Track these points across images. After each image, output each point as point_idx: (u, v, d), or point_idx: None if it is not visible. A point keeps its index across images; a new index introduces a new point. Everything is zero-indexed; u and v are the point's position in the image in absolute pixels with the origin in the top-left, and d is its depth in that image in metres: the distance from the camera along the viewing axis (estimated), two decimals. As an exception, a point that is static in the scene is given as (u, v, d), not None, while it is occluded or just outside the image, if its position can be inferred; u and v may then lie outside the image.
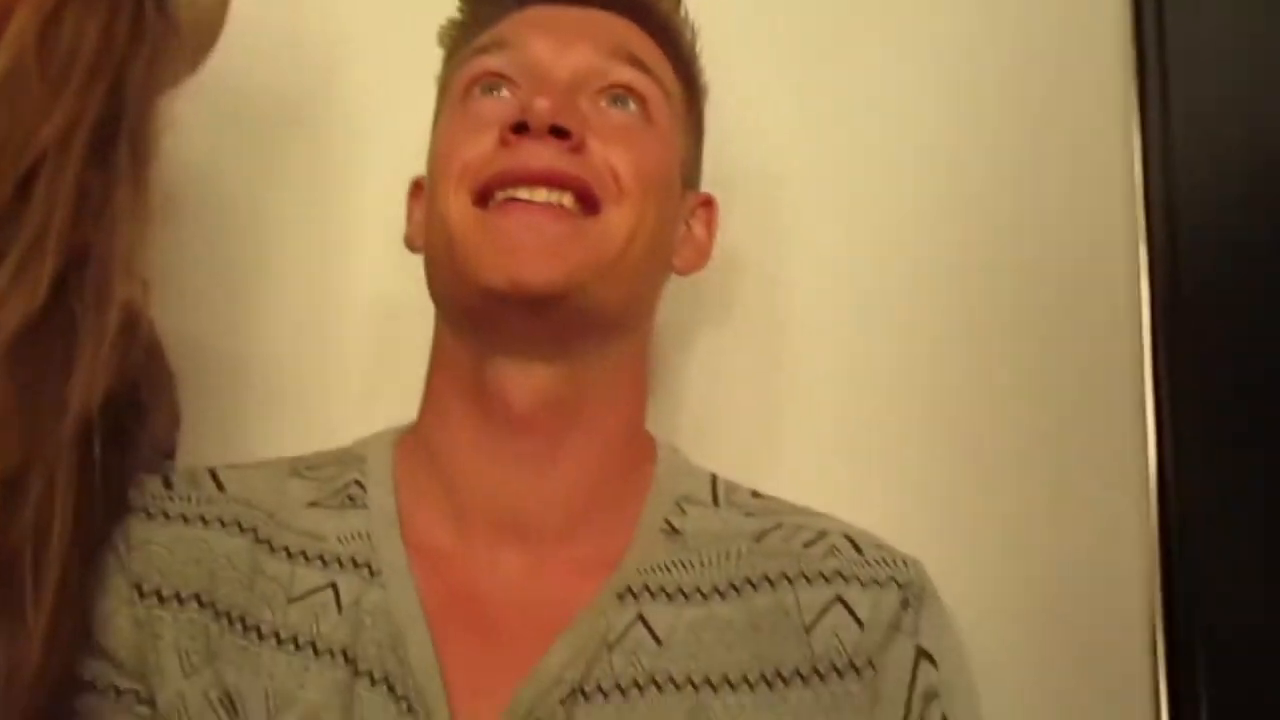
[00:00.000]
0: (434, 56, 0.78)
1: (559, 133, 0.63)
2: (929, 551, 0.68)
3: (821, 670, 0.62)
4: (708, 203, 0.76)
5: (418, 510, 0.67)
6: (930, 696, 0.63)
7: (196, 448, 0.74)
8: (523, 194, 0.63)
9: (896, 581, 0.65)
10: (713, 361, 0.86)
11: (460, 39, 0.74)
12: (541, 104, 0.63)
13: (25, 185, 0.57)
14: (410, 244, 0.73)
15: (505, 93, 0.68)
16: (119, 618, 0.63)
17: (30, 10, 0.57)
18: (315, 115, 0.90)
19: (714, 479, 0.72)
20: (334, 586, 0.64)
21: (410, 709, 0.59)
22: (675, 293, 0.78)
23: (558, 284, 0.62)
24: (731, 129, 0.82)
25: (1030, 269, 0.83)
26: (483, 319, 0.65)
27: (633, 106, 0.68)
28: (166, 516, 0.66)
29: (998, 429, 0.80)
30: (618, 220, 0.65)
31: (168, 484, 0.67)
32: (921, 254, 0.84)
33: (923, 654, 0.64)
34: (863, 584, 0.65)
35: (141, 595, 0.63)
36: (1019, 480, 0.80)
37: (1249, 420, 0.71)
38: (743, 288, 0.86)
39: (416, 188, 0.75)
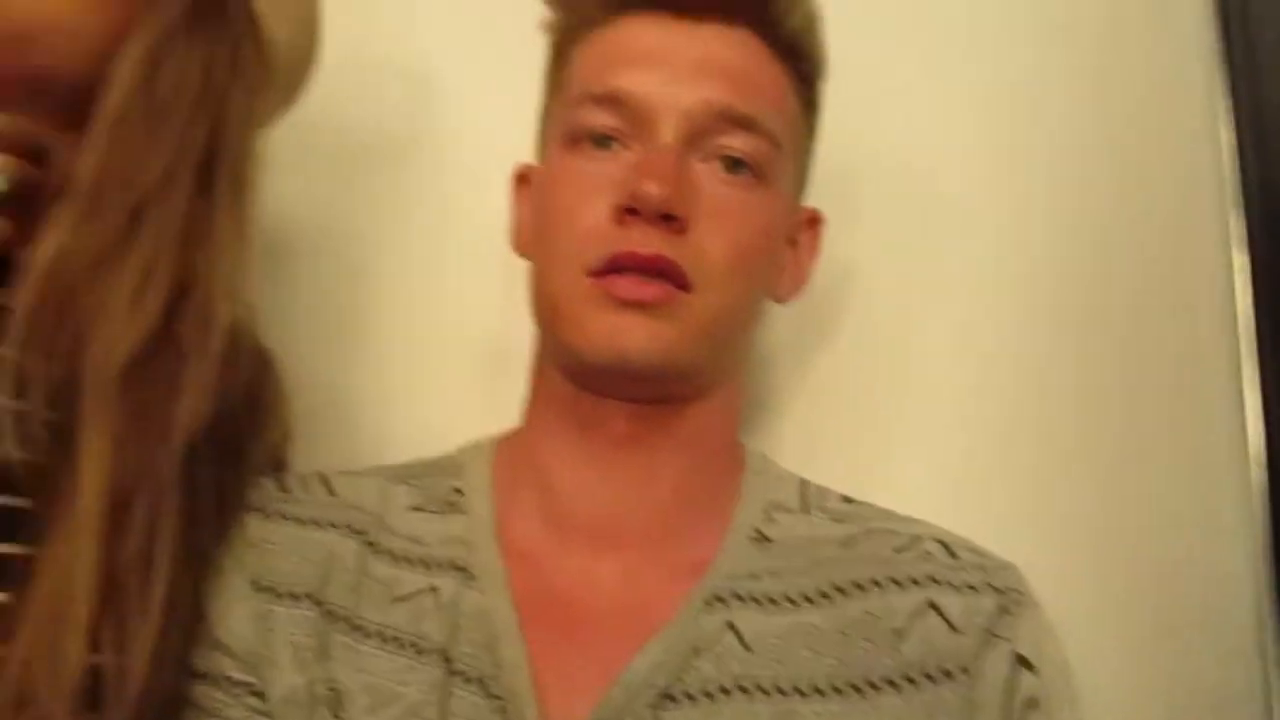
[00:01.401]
0: (528, 90, 0.78)
1: (668, 218, 0.65)
2: (1038, 563, 0.67)
3: (913, 676, 0.62)
4: (814, 220, 0.76)
5: (514, 515, 0.70)
6: (1031, 705, 0.62)
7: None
8: (631, 279, 0.65)
9: (993, 586, 0.65)
10: (821, 377, 0.85)
11: (563, 40, 0.73)
12: (653, 190, 0.64)
13: (134, 218, 0.61)
14: (517, 248, 0.75)
15: (615, 146, 0.68)
16: (236, 612, 0.66)
17: (138, 50, 0.62)
18: (419, 150, 0.94)
19: (803, 484, 0.72)
20: (434, 589, 0.67)
21: (503, 709, 0.62)
22: (787, 308, 0.78)
23: (655, 363, 0.64)
24: (857, 140, 0.82)
25: (1130, 272, 0.81)
26: (586, 381, 0.68)
27: (745, 173, 0.68)
28: (283, 517, 0.69)
29: (1103, 439, 0.79)
30: (711, 301, 0.66)
31: (283, 487, 0.71)
32: (1036, 266, 0.83)
33: (1021, 661, 0.63)
34: (956, 588, 0.65)
35: (258, 590, 0.67)
36: (1125, 490, 0.78)
37: None
38: (855, 301, 0.86)
39: (522, 179, 0.76)
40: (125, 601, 0.59)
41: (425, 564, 0.68)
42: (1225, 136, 0.79)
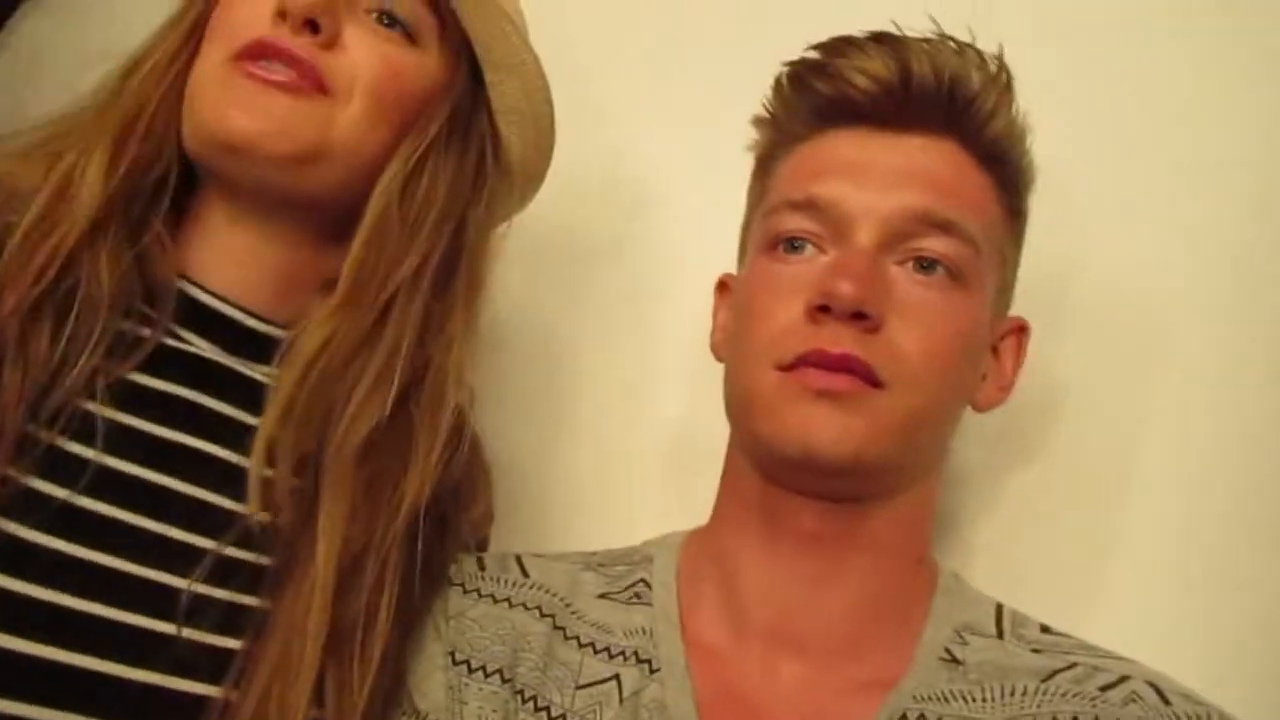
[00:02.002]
0: (735, 197, 0.82)
1: (860, 316, 0.65)
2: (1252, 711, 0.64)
3: None
4: (1020, 329, 0.75)
5: (698, 610, 0.71)
6: None
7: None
8: (825, 380, 0.66)
9: None
10: (1016, 499, 0.84)
11: (768, 147, 0.75)
12: (845, 289, 0.65)
13: (384, 313, 0.68)
14: (716, 351, 0.77)
15: (810, 250, 0.69)
16: (434, 681, 0.69)
17: (399, 166, 0.69)
18: (626, 255, 1.00)
19: (999, 609, 0.71)
20: (617, 678, 0.68)
21: None
22: (984, 429, 0.78)
23: (846, 458, 0.64)
24: (1073, 252, 0.81)
25: None
26: (777, 475, 0.69)
27: (941, 272, 0.68)
28: (479, 594, 0.73)
29: None
30: (903, 397, 0.66)
31: (481, 565, 0.75)
32: (1254, 400, 0.80)
33: None
34: None
35: (454, 662, 0.70)
36: None
37: None
38: (1061, 422, 0.84)
39: (723, 287, 0.79)
40: (348, 658, 0.64)
41: (609, 652, 0.69)
42: None
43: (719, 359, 0.76)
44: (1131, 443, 0.81)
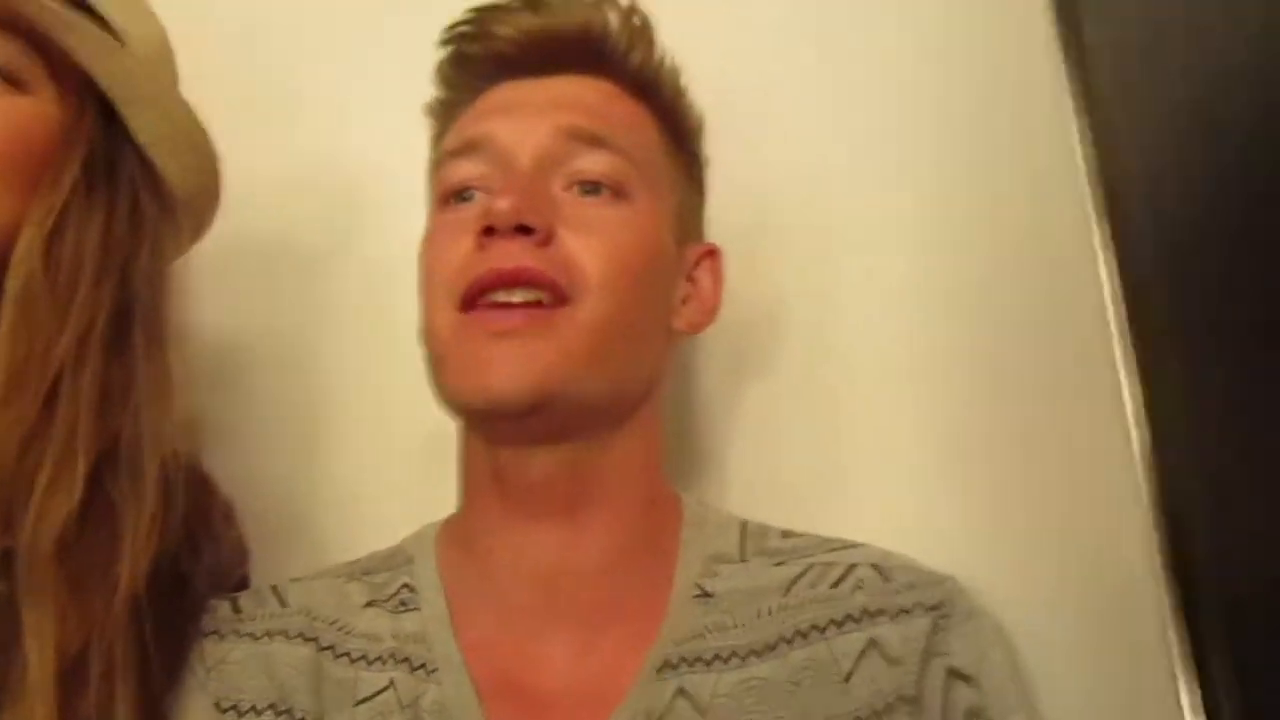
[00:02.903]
0: None
1: (524, 229, 0.67)
2: (974, 561, 0.71)
3: (864, 716, 0.64)
4: (711, 253, 0.77)
5: (466, 604, 0.71)
6: (972, 715, 0.64)
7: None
8: (500, 296, 0.67)
9: (925, 605, 0.67)
10: (760, 418, 0.87)
11: (442, 115, 0.78)
12: (503, 204, 0.67)
13: (51, 393, 0.63)
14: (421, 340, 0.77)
15: (479, 197, 0.71)
16: None
17: (34, 230, 0.64)
18: (353, 252, 0.96)
19: (743, 528, 0.73)
20: (393, 685, 0.68)
21: None
22: (717, 352, 0.81)
23: (526, 396, 0.65)
24: (771, 184, 0.85)
25: (1006, 281, 0.84)
26: (480, 425, 0.70)
27: (603, 193, 0.70)
28: (237, 635, 0.71)
29: (1010, 445, 0.82)
30: (588, 312, 0.67)
31: (235, 607, 0.73)
32: (934, 284, 0.86)
33: (955, 675, 0.65)
34: (892, 617, 0.67)
35: (222, 711, 0.68)
36: (1030, 480, 0.81)
37: (1224, 380, 0.70)
38: (788, 337, 0.87)
39: (420, 297, 0.78)
40: None
41: (383, 661, 0.69)
42: (1080, 151, 0.82)
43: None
44: (850, 349, 0.86)
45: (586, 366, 0.66)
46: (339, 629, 0.71)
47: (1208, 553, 0.70)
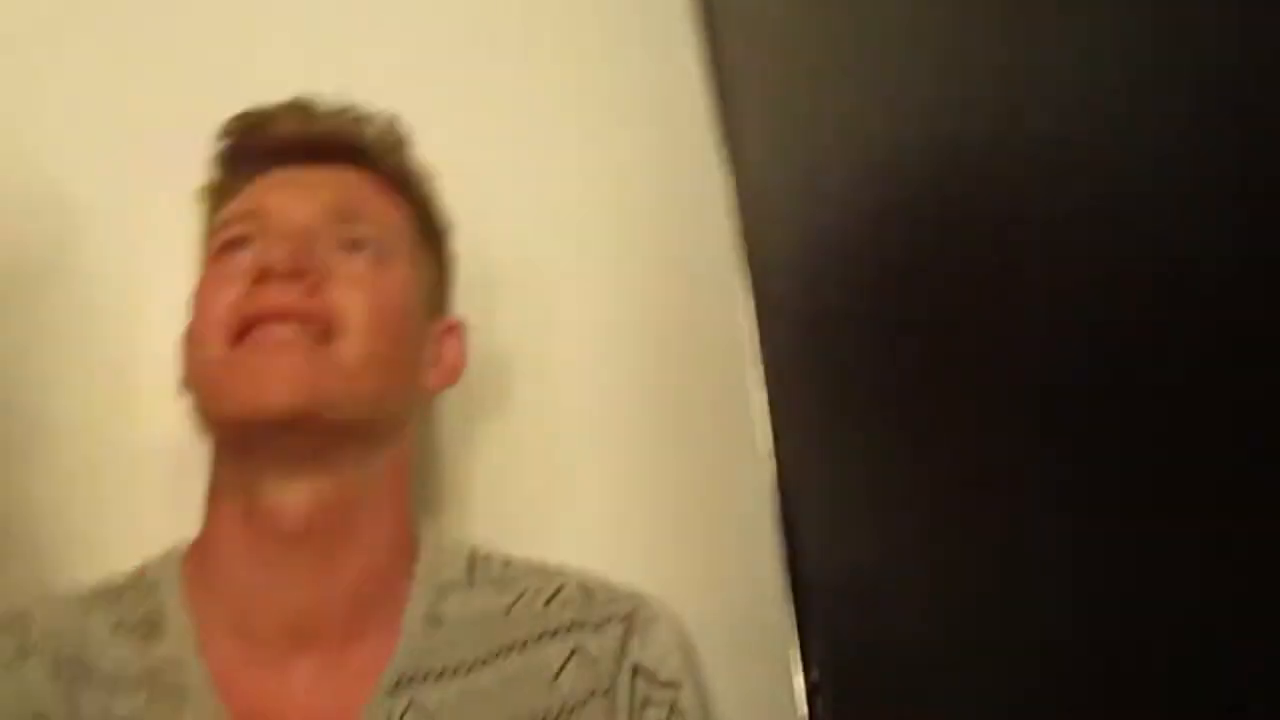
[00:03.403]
0: (177, 206, 0.87)
1: (297, 274, 0.74)
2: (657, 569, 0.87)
3: (569, 708, 0.75)
4: (453, 327, 0.87)
5: (212, 632, 0.74)
6: (645, 703, 0.76)
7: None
8: (270, 330, 0.74)
9: (618, 616, 0.79)
10: (497, 451, 0.97)
11: (215, 200, 0.85)
12: (278, 251, 0.75)
13: None
14: (181, 390, 0.81)
15: (253, 247, 0.78)
16: None
17: None
18: (75, 275, 0.97)
19: (472, 556, 0.82)
20: (148, 710, 0.71)
21: None
22: (454, 397, 0.90)
23: (295, 406, 0.71)
24: (487, 250, 0.95)
25: (673, 334, 1.01)
26: (243, 442, 0.74)
27: (366, 251, 0.79)
28: None
29: (666, 464, 0.98)
30: (349, 349, 0.75)
31: None
32: (615, 331, 1.01)
33: (637, 669, 0.77)
34: (594, 627, 0.78)
35: None
36: (687, 502, 0.97)
37: (836, 402, 0.87)
38: (510, 381, 0.99)
39: (187, 338, 0.82)
40: None
41: (134, 687, 0.72)
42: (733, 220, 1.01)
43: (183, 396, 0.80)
44: (556, 385, 0.99)
45: (348, 390, 0.74)
46: (88, 656, 0.73)
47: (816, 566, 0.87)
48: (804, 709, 0.86)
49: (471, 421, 0.97)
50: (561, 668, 0.76)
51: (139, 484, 0.94)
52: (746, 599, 0.92)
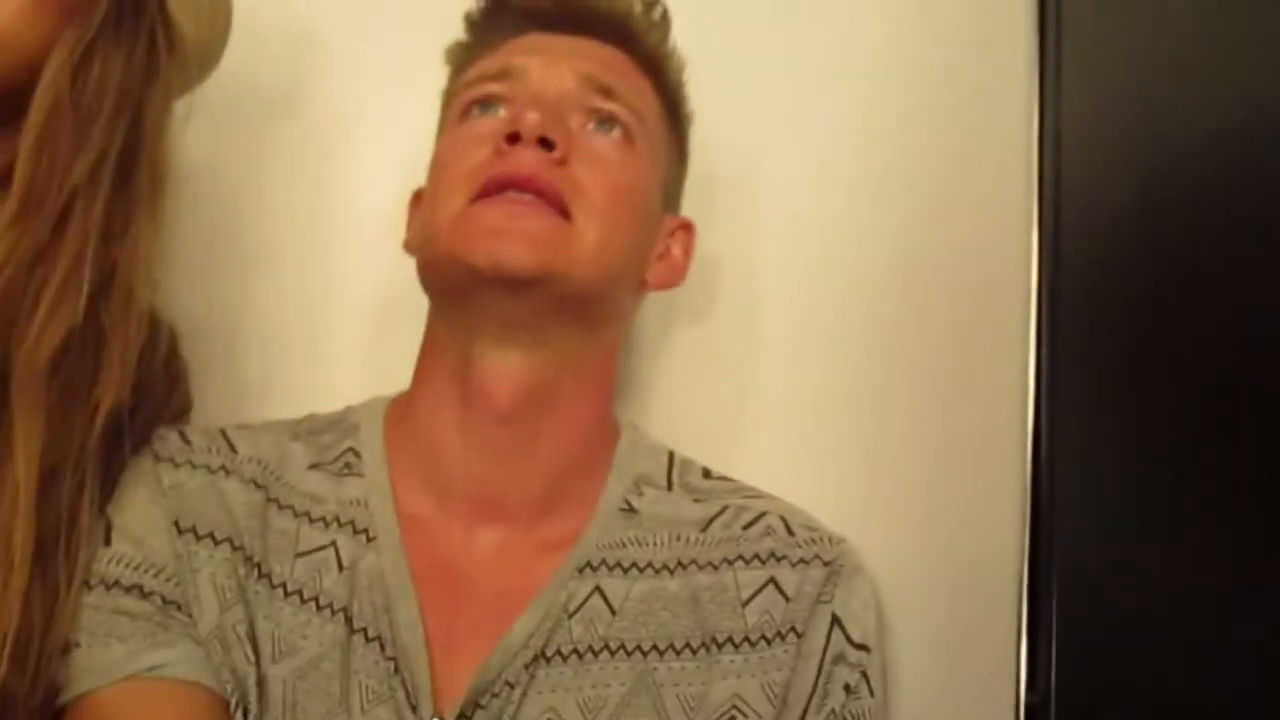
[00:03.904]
0: (417, 52, 0.88)
1: (546, 144, 0.73)
2: (856, 517, 0.81)
3: (753, 639, 0.73)
4: (686, 227, 0.85)
5: (407, 481, 0.76)
6: (838, 660, 0.74)
7: (197, 418, 0.83)
8: (511, 195, 0.73)
9: (821, 559, 0.76)
10: (689, 357, 0.95)
11: (465, 59, 0.84)
12: (532, 117, 0.73)
13: (64, 216, 0.67)
14: (409, 248, 0.82)
15: (502, 111, 0.77)
16: (159, 540, 0.71)
17: (63, 57, 0.67)
18: (309, 108, 0.99)
19: (670, 460, 0.81)
20: (335, 547, 0.73)
21: (397, 668, 0.70)
22: (655, 296, 0.87)
23: (531, 268, 0.71)
24: (708, 145, 0.91)
25: (936, 265, 0.93)
26: (468, 300, 0.74)
27: (615, 131, 0.78)
28: (193, 466, 0.75)
29: (912, 416, 0.91)
30: (587, 230, 0.74)
31: (185, 438, 0.76)
32: (861, 255, 0.94)
33: (836, 620, 0.74)
34: (792, 564, 0.76)
35: (180, 531, 0.72)
36: (923, 461, 0.90)
37: (1119, 406, 0.81)
38: (720, 290, 0.96)
39: (417, 198, 0.84)
40: (53, 566, 0.66)
41: (325, 522, 0.74)
42: (1032, 141, 0.91)
43: (411, 254, 0.81)
44: (767, 303, 0.95)
45: (582, 266, 0.73)
46: (284, 484, 0.75)
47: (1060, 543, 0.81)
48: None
49: (667, 326, 0.95)
50: (754, 595, 0.75)
51: (344, 327, 0.96)
52: (970, 585, 0.87)
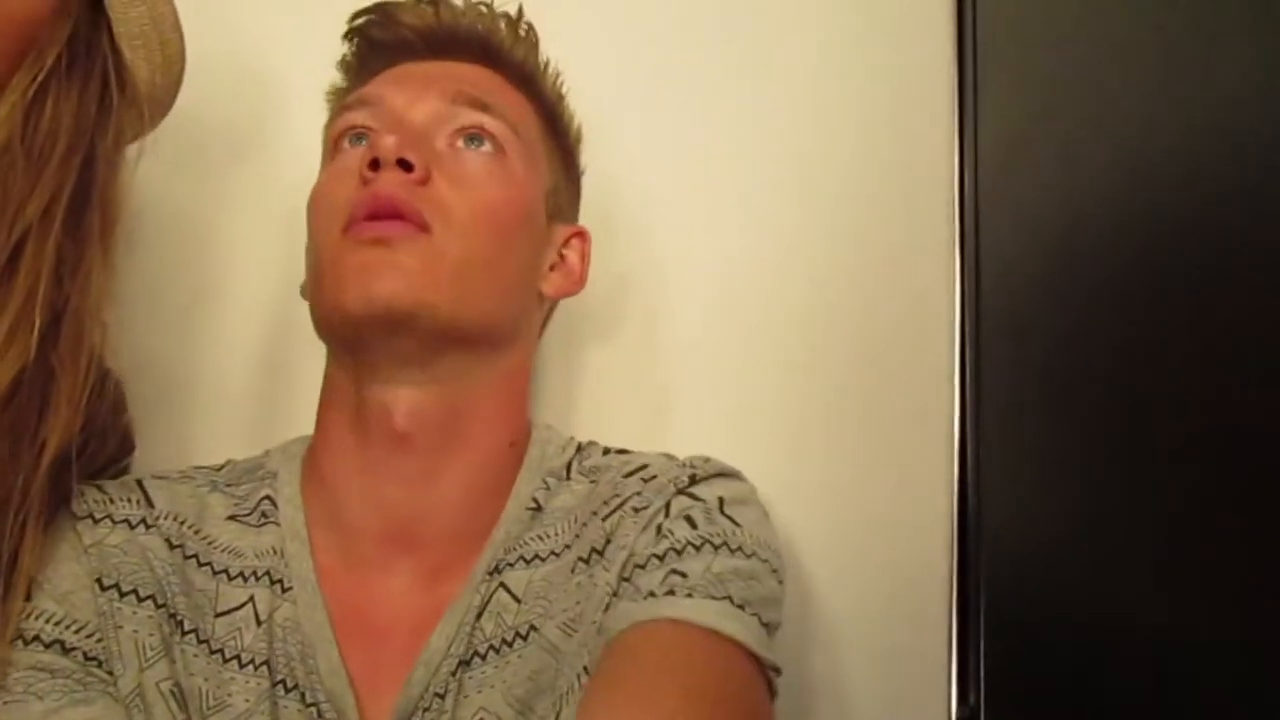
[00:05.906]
0: None
1: (405, 165, 0.74)
2: (783, 537, 0.82)
3: (614, 541, 0.74)
4: (581, 234, 0.87)
5: (320, 526, 0.77)
6: (679, 506, 0.74)
7: (143, 460, 0.85)
8: (375, 227, 0.73)
9: (692, 466, 0.77)
10: (600, 375, 0.98)
11: (338, 101, 0.86)
12: (388, 140, 0.74)
13: (15, 256, 0.68)
14: (303, 294, 0.82)
15: (366, 140, 0.78)
16: (80, 598, 0.71)
17: (16, 95, 0.68)
18: (265, 148, 1.01)
19: (577, 449, 0.82)
20: (252, 602, 0.73)
21: (320, 714, 0.70)
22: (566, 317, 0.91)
23: (406, 303, 0.72)
24: (613, 170, 0.95)
25: (856, 272, 0.97)
26: (357, 342, 0.75)
27: (485, 146, 0.79)
28: (112, 521, 0.74)
29: (830, 411, 0.95)
30: (448, 247, 0.74)
31: (103, 491, 0.76)
32: (768, 268, 0.98)
33: (681, 491, 0.75)
34: (667, 480, 0.76)
35: (103, 588, 0.72)
36: (851, 481, 0.94)
37: (1043, 422, 0.84)
38: (628, 307, 0.99)
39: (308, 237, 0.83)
40: None
41: (244, 577, 0.74)
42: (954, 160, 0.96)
43: (305, 298, 0.81)
44: (680, 320, 0.99)
45: (449, 290, 0.73)
46: (202, 537, 0.76)
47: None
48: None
49: (577, 345, 0.98)
50: (619, 508, 0.75)
51: (297, 370, 0.96)
52: (901, 602, 0.89)
